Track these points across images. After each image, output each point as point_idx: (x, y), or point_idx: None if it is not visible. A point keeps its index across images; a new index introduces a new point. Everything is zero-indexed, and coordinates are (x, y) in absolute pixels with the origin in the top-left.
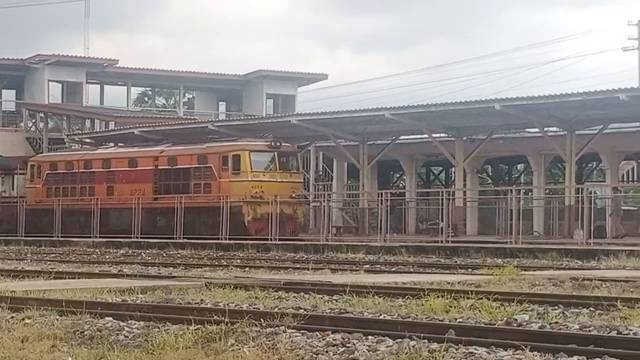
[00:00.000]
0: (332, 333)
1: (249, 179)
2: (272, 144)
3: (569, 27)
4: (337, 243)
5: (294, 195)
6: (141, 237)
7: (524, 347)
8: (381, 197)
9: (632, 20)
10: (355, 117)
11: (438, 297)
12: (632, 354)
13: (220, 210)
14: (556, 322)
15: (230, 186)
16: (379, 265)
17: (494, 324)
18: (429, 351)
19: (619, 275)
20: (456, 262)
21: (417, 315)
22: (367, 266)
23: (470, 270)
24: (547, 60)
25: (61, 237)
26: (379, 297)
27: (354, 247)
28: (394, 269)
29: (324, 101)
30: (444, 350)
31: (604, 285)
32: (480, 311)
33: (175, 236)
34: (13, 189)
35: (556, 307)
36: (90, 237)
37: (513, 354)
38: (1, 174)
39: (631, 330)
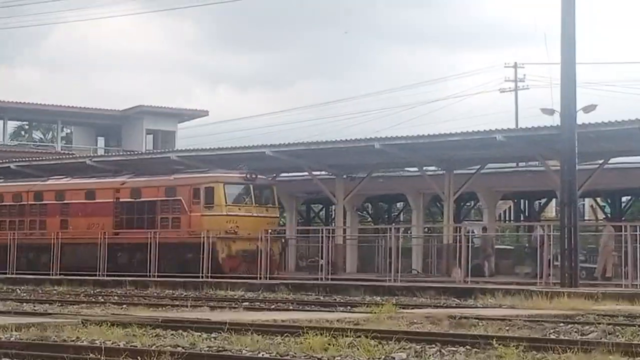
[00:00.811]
0: None
1: (223, 213)
2: (248, 176)
3: (446, 69)
4: (216, 280)
5: (270, 231)
6: (16, 273)
7: None
8: (261, 235)
9: (509, 63)
10: (237, 153)
11: (317, 335)
12: None
13: (190, 247)
14: None
15: (202, 221)
16: (258, 303)
17: None
18: None
19: (495, 314)
20: (335, 299)
21: (295, 354)
22: (247, 303)
23: (349, 308)
24: (426, 101)
25: None
26: (258, 334)
27: (234, 284)
28: (273, 306)
29: (205, 137)
30: None
31: (480, 324)
32: (358, 349)
33: (148, 273)
34: None
35: (433, 346)
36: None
37: None
38: None
39: None
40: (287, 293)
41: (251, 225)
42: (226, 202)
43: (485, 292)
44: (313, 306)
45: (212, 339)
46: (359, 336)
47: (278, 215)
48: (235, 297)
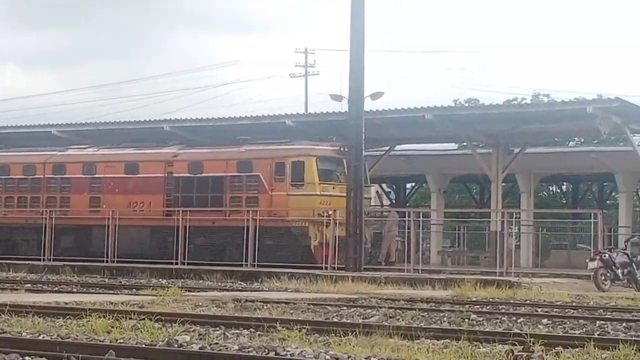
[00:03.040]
0: None
1: (316, 192)
2: (341, 148)
3: (236, 53)
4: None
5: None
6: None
7: None
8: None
9: (299, 48)
10: (22, 132)
11: (100, 317)
12: None
13: (270, 231)
14: (216, 343)
15: (289, 201)
16: (41, 285)
17: (155, 345)
18: None
19: (280, 297)
20: (121, 282)
21: (77, 336)
22: (29, 285)
23: (134, 290)
24: (217, 84)
25: None
26: (39, 317)
27: (16, 265)
28: (56, 288)
29: None
30: None
31: (265, 307)
32: (142, 332)
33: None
34: None
35: (217, 328)
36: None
37: None
38: None
39: (288, 351)
40: (71, 275)
41: (344, 208)
42: (319, 180)
43: (272, 275)
44: (97, 288)
45: None
46: (143, 319)
47: (371, 196)
48: (17, 278)
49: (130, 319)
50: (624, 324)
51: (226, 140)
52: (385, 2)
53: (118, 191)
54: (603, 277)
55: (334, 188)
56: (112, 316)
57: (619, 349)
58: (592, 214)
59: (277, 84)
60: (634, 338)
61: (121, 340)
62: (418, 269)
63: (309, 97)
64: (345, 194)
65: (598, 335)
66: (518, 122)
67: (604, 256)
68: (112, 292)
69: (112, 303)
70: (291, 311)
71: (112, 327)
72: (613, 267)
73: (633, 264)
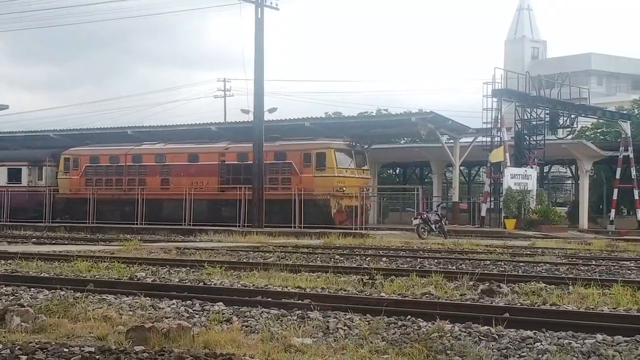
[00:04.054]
0: (5, 286)
1: (335, 174)
2: (351, 143)
3: (180, 82)
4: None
5: (364, 190)
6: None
7: (140, 294)
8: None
9: (220, 78)
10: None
11: (83, 261)
12: (212, 297)
13: (299, 202)
14: (163, 277)
15: (315, 181)
16: (43, 239)
17: (121, 279)
18: (74, 298)
19: (207, 246)
20: (99, 237)
21: (67, 274)
22: (35, 239)
23: (108, 242)
24: (166, 102)
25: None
26: (41, 261)
27: (24, 225)
28: (54, 241)
29: None
30: (84, 297)
31: (197, 253)
32: (112, 270)
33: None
34: (41, 180)
35: (164, 267)
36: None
37: (133, 298)
38: (29, 165)
39: (212, 281)
40: (64, 232)
41: (354, 185)
42: (337, 165)
43: (202, 231)
44: (82, 242)
45: (8, 264)
46: (114, 262)
47: (369, 177)
48: (27, 234)
49: (104, 262)
50: (435, 260)
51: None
52: (282, 49)
53: (183, 174)
54: (422, 230)
55: (346, 171)
56: (92, 260)
57: (431, 276)
58: (415, 188)
59: (206, 102)
60: (441, 269)
61: (98, 276)
62: (301, 225)
63: (227, 111)
64: (353, 176)
65: (419, 268)
66: (368, 127)
67: (423, 216)
68: (92, 243)
69: (92, 251)
70: (215, 255)
71: (92, 267)
72: (429, 223)
73: (441, 220)
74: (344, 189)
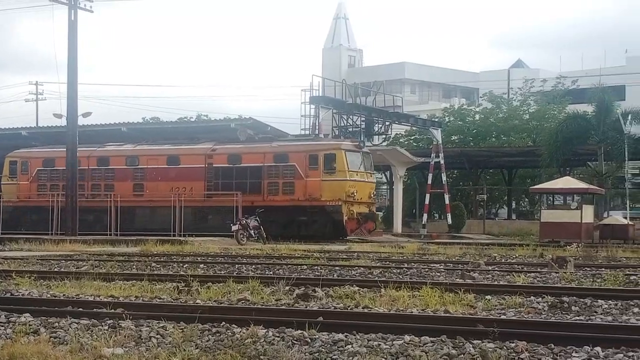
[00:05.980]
0: None
1: (347, 178)
2: (359, 144)
3: None
4: None
5: (372, 195)
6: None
7: None
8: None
9: (32, 81)
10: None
11: None
12: (19, 308)
13: (303, 210)
14: None
15: (322, 186)
16: None
17: None
18: None
19: (16, 255)
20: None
21: None
22: None
23: None
24: None
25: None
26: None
27: None
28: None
29: None
30: None
31: (5, 262)
32: None
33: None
34: None
35: None
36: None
37: None
38: None
39: (19, 292)
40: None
41: (365, 191)
42: (348, 168)
43: (12, 240)
44: None
45: None
46: None
47: (375, 181)
48: None
49: None
50: (253, 266)
51: None
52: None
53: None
54: (241, 235)
55: (357, 175)
56: None
57: (248, 282)
58: (235, 194)
59: (17, 105)
60: (258, 274)
61: None
62: (186, 234)
63: (40, 116)
64: (363, 180)
65: (236, 274)
66: (187, 133)
67: (242, 222)
68: None
69: None
70: (24, 265)
71: None
72: (248, 228)
73: (261, 227)
74: (355, 194)
